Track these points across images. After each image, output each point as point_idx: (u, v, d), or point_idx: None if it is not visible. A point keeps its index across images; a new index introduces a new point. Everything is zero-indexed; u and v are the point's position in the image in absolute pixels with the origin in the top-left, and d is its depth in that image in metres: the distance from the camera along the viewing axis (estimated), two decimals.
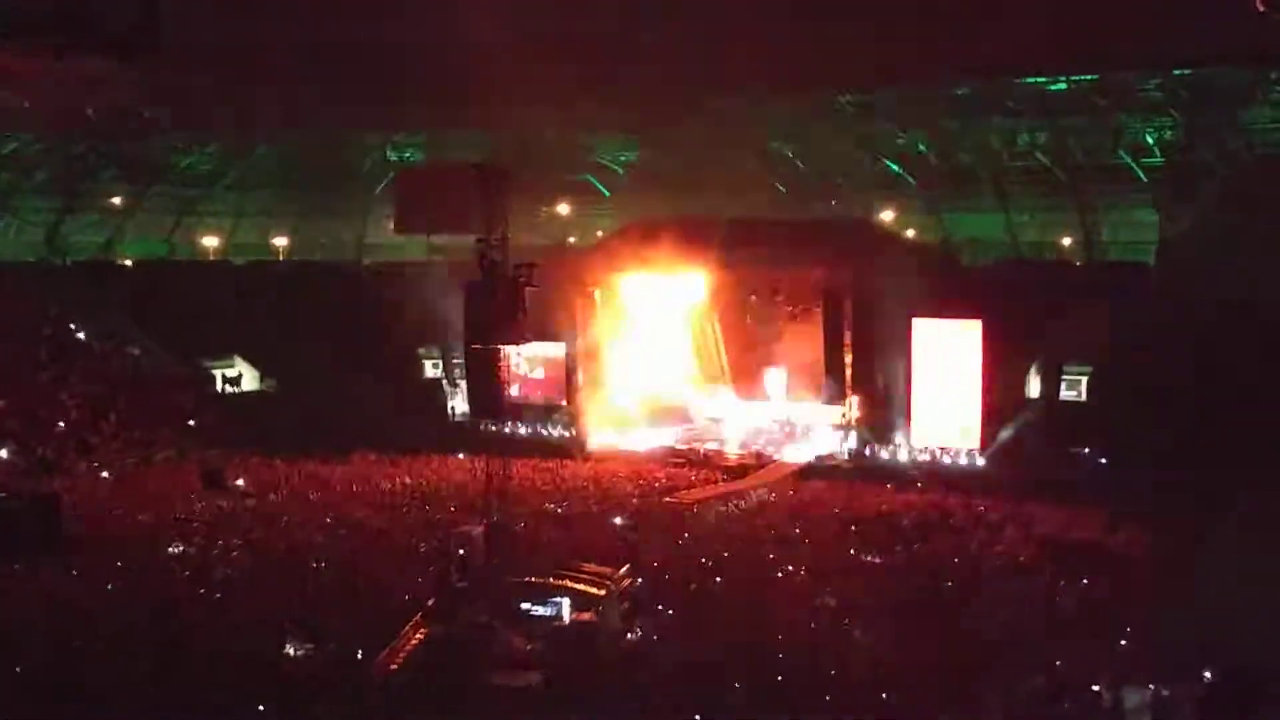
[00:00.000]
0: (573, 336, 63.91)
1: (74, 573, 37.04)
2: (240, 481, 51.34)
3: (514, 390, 48.51)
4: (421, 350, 70.34)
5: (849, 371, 58.53)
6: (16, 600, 34.11)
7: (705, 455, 59.10)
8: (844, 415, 58.99)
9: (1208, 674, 26.14)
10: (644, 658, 29.91)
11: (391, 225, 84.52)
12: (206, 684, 27.37)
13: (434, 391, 68.93)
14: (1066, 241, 74.00)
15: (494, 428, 39.26)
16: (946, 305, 56.74)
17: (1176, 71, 60.52)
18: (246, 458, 55.46)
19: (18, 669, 28.23)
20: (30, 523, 40.82)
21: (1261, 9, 35.93)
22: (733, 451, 59.50)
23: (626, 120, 74.03)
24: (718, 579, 37.08)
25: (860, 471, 55.27)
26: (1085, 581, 36.22)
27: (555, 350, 63.76)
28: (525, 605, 32.59)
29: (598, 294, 64.33)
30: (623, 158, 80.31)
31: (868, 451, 57.56)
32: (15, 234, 76.54)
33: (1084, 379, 58.42)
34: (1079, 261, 71.62)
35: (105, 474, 53.21)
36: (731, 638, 30.76)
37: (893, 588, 35.88)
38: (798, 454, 58.42)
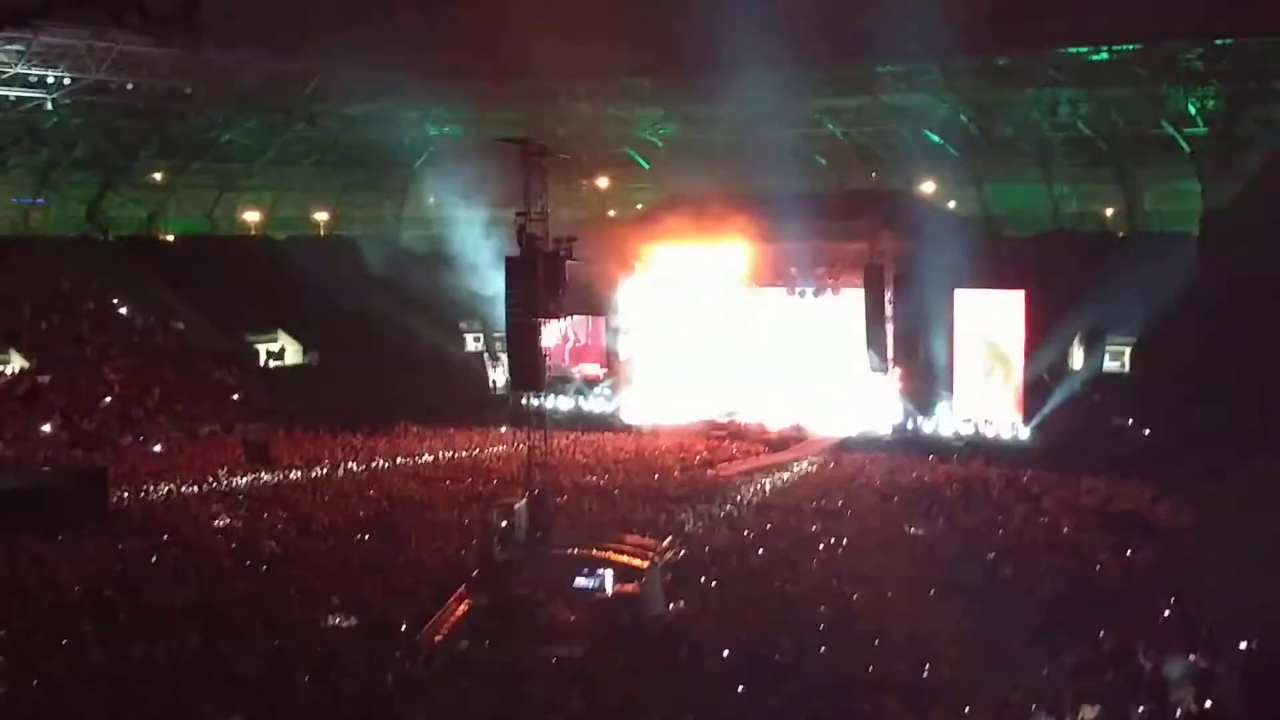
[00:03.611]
0: (613, 310, 63.99)
1: (119, 545, 37.32)
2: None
3: (555, 363, 48.56)
4: (463, 324, 70.51)
5: (890, 343, 58.37)
6: (64, 572, 34.38)
7: (746, 428, 59.12)
8: (885, 387, 58.85)
9: (1247, 644, 26.06)
10: (686, 629, 29.95)
11: (431, 200, 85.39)
12: (251, 655, 27.58)
13: (475, 364, 69.10)
14: (1109, 212, 73.53)
15: (535, 400, 39.28)
16: (988, 276, 56.55)
17: (1219, 41, 59.90)
18: (290, 431, 55.79)
19: (65, 641, 28.50)
20: (76, 496, 41.18)
21: None
22: (774, 424, 59.44)
23: (666, 94, 73.92)
24: (759, 550, 37.10)
25: (902, 444, 55.19)
26: (1128, 553, 36.15)
27: (596, 324, 63.87)
28: (568, 577, 32.72)
29: (638, 267, 64.32)
30: (662, 131, 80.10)
31: (909, 424, 57.41)
32: (57, 210, 76.89)
33: (1127, 350, 58.16)
34: (1121, 232, 71.17)
35: (150, 448, 53.54)
36: (773, 609, 30.84)
37: (935, 559, 35.88)
38: (839, 426, 58.27)
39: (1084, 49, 62.67)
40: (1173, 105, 65.64)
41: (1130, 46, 61.74)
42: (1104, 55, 62.69)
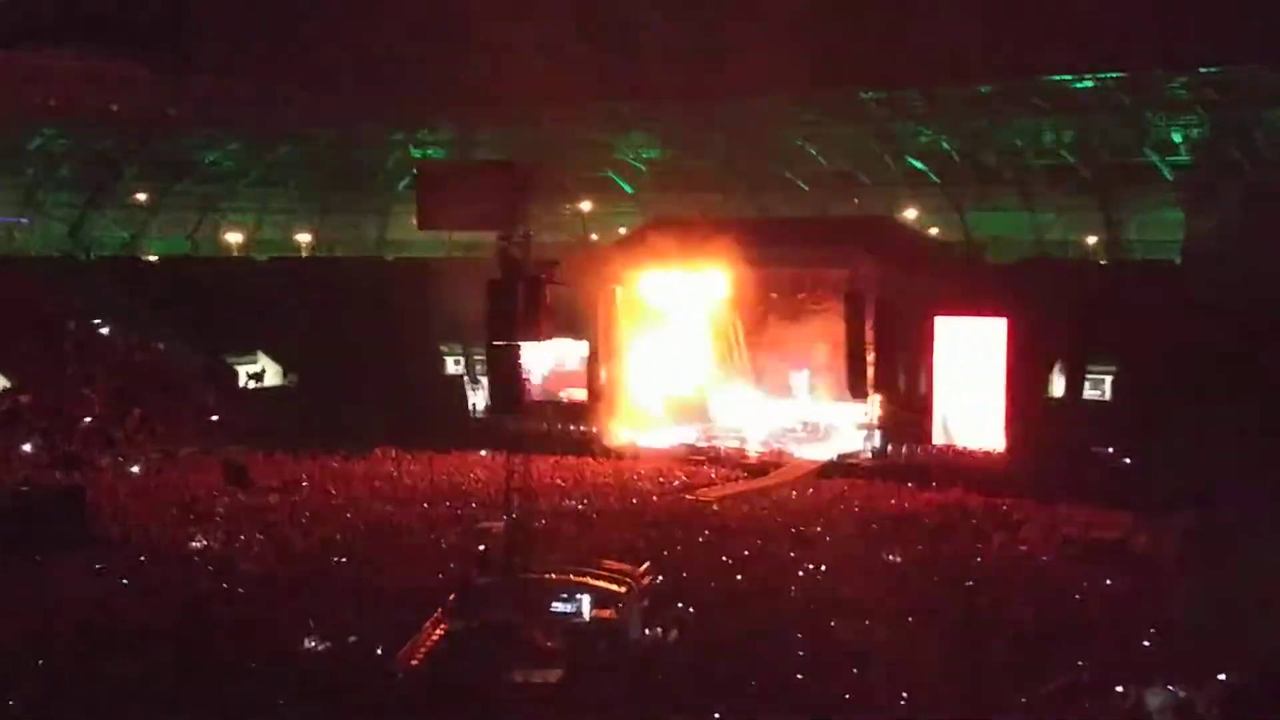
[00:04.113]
0: (594, 334, 64.00)
1: (98, 567, 37.15)
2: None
3: (535, 387, 48.50)
4: (443, 347, 70.40)
5: (871, 370, 58.43)
6: (41, 594, 34.21)
7: (726, 453, 59.10)
8: (866, 413, 58.92)
9: (1226, 675, 26.05)
10: (664, 655, 29.87)
11: (414, 221, 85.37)
12: (228, 679, 27.45)
13: (455, 388, 68.96)
14: (1091, 240, 73.75)
15: (515, 424, 39.18)
16: (970, 303, 56.66)
17: (1203, 70, 60.23)
18: (269, 453, 55.62)
19: (40, 662, 28.34)
20: (55, 516, 40.98)
21: None
22: (754, 449, 59.44)
23: (649, 118, 74.08)
24: (737, 576, 37.03)
25: (882, 470, 55.11)
26: (1108, 582, 36.14)
27: (577, 348, 63.83)
28: (546, 602, 32.61)
29: (620, 291, 64.33)
30: (645, 155, 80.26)
31: (890, 450, 57.42)
32: (41, 229, 76.79)
33: (1108, 378, 58.25)
34: (1104, 260, 71.38)
35: (129, 469, 53.34)
36: (750, 636, 30.77)
37: (913, 586, 35.83)
38: (819, 452, 58.27)
39: (1068, 77, 62.98)
40: (1156, 134, 66.02)
41: (1114, 75, 62.08)
42: (1088, 83, 63.04)
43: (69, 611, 32.38)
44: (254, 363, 69.19)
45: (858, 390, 58.37)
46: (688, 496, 50.12)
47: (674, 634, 31.42)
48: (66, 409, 57.09)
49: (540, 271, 37.36)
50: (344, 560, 38.63)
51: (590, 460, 57.64)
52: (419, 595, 34.02)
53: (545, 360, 60.08)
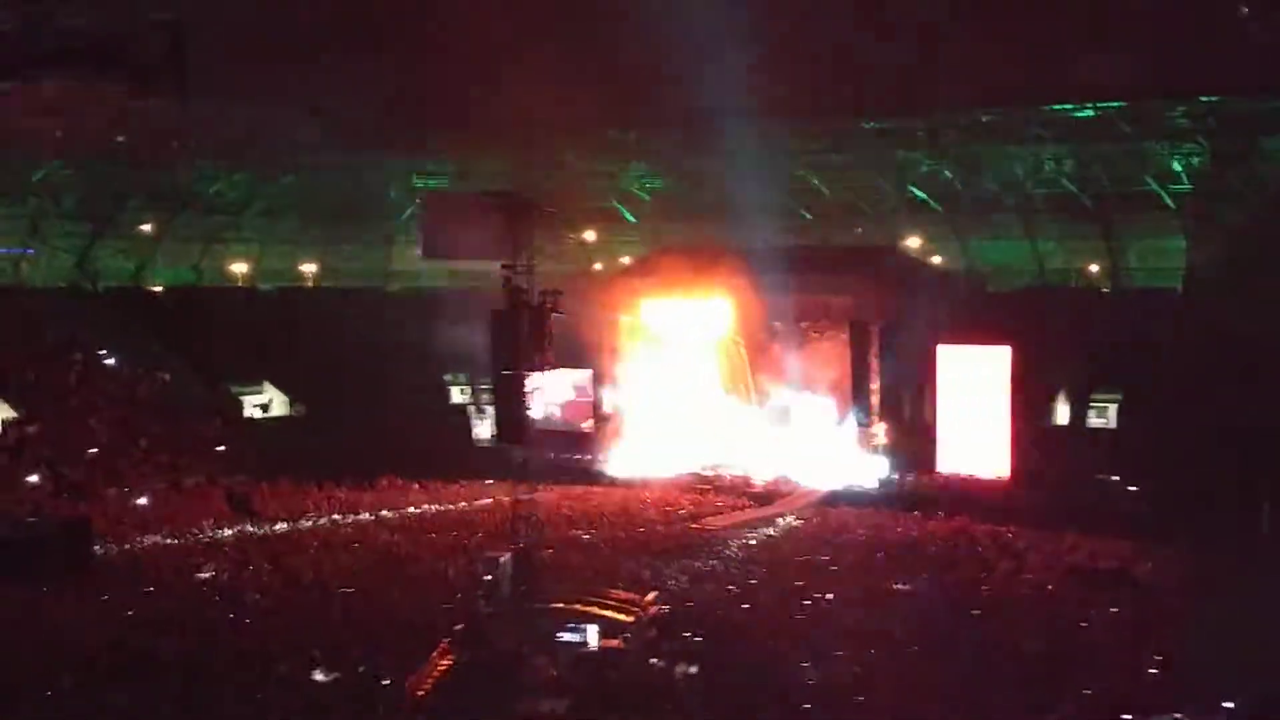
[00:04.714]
0: (599, 363, 64.10)
1: (103, 596, 37.21)
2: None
3: (540, 417, 48.52)
4: (448, 376, 70.48)
5: (875, 398, 58.51)
6: (45, 623, 34.27)
7: (731, 481, 59.13)
8: (871, 442, 58.96)
9: (1233, 704, 26.07)
10: (671, 685, 29.88)
11: (418, 251, 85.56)
12: (236, 711, 27.48)
13: (461, 417, 69.03)
14: (1093, 268, 73.83)
15: (520, 454, 39.25)
16: (973, 331, 56.77)
17: (1204, 99, 60.37)
18: (274, 483, 55.69)
19: (48, 693, 28.39)
20: (60, 546, 41.06)
21: None
22: (759, 478, 59.44)
23: (652, 147, 74.28)
24: (744, 605, 37.07)
25: (887, 498, 55.15)
26: (1113, 610, 36.17)
27: (582, 377, 63.92)
28: (553, 631, 32.63)
29: (624, 321, 64.49)
30: (648, 185, 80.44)
31: (895, 478, 57.41)
32: (46, 260, 76.99)
33: (1112, 406, 58.26)
34: (1106, 288, 71.45)
35: (134, 499, 53.39)
36: (757, 665, 30.80)
37: (919, 615, 35.86)
38: (824, 481, 58.26)
39: (1069, 106, 63.13)
40: (1157, 162, 66.11)
41: (1115, 104, 62.21)
42: (1089, 112, 63.14)
43: (74, 642, 32.46)
44: (260, 393, 69.30)
45: (862, 418, 58.45)
46: (694, 526, 50.18)
47: (682, 665, 31.40)
48: (72, 439, 57.19)
49: (544, 301, 37.51)
50: (350, 590, 38.65)
51: (596, 489, 57.74)
52: (426, 625, 34.11)
53: (550, 389, 60.14)
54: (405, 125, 70.90)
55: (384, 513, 51.42)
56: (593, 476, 60.78)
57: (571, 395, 64.43)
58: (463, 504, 53.48)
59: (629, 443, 63.81)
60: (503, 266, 37.13)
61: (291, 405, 69.70)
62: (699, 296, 62.05)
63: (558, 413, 63.68)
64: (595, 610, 33.78)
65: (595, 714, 27.82)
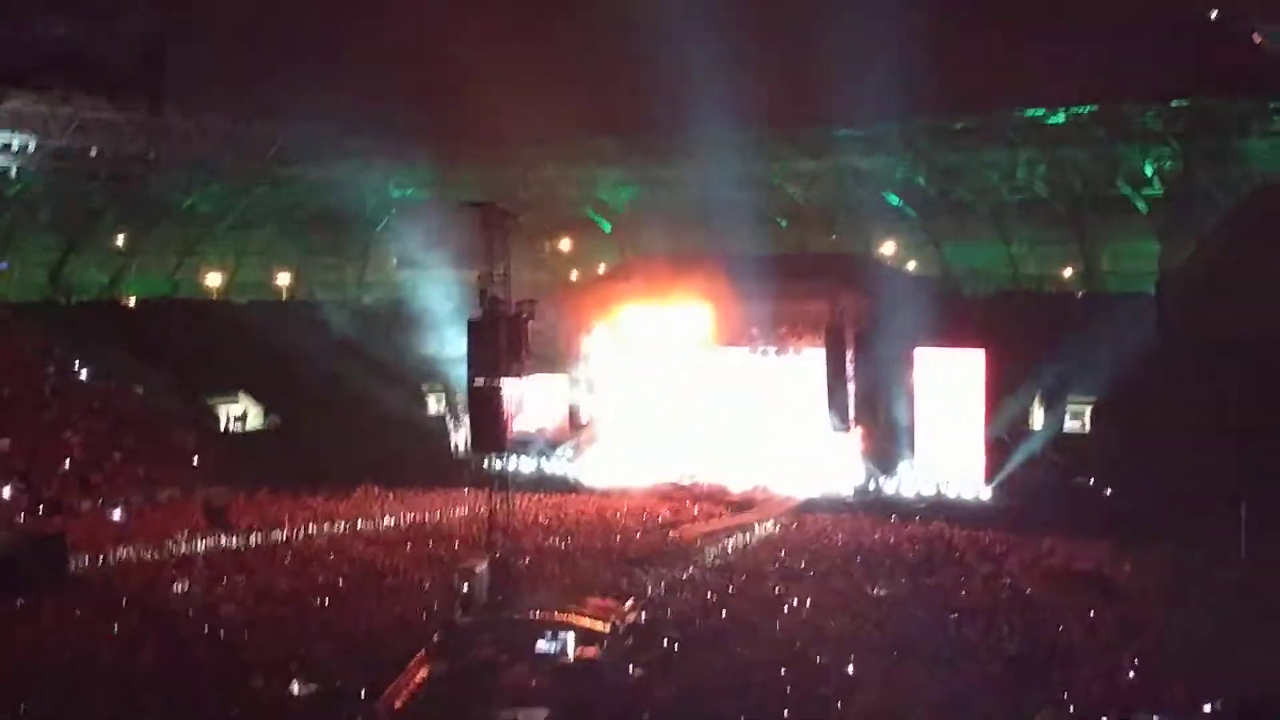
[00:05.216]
0: (575, 371, 64.04)
1: (78, 611, 37.05)
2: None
3: (516, 425, 48.55)
4: (425, 386, 70.35)
5: (852, 403, 58.48)
6: (21, 638, 34.12)
7: (709, 489, 59.02)
8: (847, 447, 58.91)
9: (1211, 705, 26.16)
10: (648, 692, 29.85)
11: (394, 262, 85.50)
12: None
13: (437, 427, 68.88)
14: (1067, 273, 73.97)
15: (497, 463, 39.26)
16: (948, 335, 56.77)
17: (1175, 103, 60.56)
18: (250, 494, 55.50)
19: (23, 707, 28.25)
20: (36, 561, 40.92)
21: (1258, 40, 36.20)
22: (736, 485, 59.36)
23: (627, 155, 74.31)
24: (722, 613, 37.05)
25: (864, 504, 55.12)
26: (1091, 613, 36.24)
27: (558, 385, 63.85)
28: (530, 641, 32.61)
29: (601, 327, 64.46)
30: (623, 194, 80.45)
31: (871, 484, 57.36)
32: (20, 273, 76.69)
33: (1087, 410, 58.33)
34: (1079, 292, 71.58)
35: (110, 512, 53.15)
36: (735, 672, 30.78)
37: (898, 620, 35.89)
38: (801, 487, 58.20)
39: (1041, 111, 63.29)
40: (1129, 166, 66.29)
41: (1087, 108, 62.37)
42: (1060, 117, 63.31)
43: (50, 655, 32.32)
44: (235, 404, 69.01)
45: (839, 423, 58.41)
46: (671, 534, 50.06)
47: (659, 672, 31.38)
48: (46, 453, 56.95)
49: (520, 310, 37.55)
50: (326, 602, 38.53)
51: (573, 497, 57.63)
52: (403, 636, 34.03)
53: (527, 398, 60.10)
54: (382, 135, 70.91)
55: (360, 523, 51.20)
56: (570, 484, 60.64)
57: (548, 403, 64.32)
58: (439, 513, 53.31)
59: (606, 450, 63.69)
60: (479, 276, 37.20)
61: (267, 416, 69.40)
62: (675, 304, 62.03)
63: (534, 421, 63.66)
64: (572, 619, 33.79)
65: None
